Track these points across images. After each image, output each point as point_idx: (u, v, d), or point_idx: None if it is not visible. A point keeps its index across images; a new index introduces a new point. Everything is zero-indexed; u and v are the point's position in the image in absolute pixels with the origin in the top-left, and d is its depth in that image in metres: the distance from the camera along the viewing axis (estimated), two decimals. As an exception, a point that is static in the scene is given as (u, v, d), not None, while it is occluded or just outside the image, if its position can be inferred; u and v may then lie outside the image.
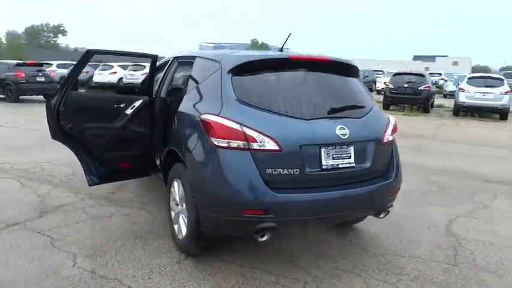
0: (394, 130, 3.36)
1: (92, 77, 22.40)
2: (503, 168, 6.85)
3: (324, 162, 2.83)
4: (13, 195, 4.61)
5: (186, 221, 3.18)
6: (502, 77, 15.56)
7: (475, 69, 78.30)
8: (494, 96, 13.94)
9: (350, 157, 2.94)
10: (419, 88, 15.46)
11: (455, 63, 76.48)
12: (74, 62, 5.13)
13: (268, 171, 2.69)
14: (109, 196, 4.67)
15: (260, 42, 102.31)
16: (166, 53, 6.15)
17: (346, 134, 2.92)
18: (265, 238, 2.81)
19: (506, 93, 13.91)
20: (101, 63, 23.44)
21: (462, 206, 4.78)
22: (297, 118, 2.84)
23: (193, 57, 3.73)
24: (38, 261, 3.14)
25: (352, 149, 2.95)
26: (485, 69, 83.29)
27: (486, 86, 14.28)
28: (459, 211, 4.59)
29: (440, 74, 33.48)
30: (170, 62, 4.26)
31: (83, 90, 19.62)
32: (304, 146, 2.78)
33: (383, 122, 3.29)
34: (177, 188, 3.37)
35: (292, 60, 3.14)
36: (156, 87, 4.27)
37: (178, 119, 3.37)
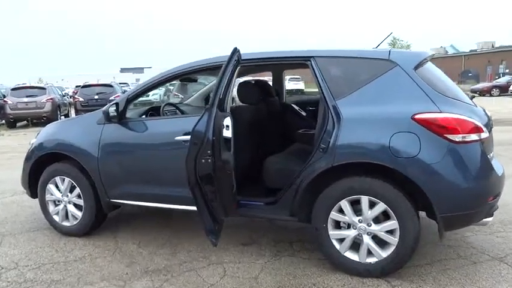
0: None
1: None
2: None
3: None
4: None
5: (388, 238, 2.83)
6: None
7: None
8: None
9: None
10: (110, 98, 14.57)
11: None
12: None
13: (488, 156, 2.82)
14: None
15: None
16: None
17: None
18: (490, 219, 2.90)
19: None
20: None
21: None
22: (472, 105, 3.01)
23: (304, 58, 3.19)
24: None
25: None
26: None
27: None
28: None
29: (127, 84, 31.32)
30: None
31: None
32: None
33: None
34: (349, 208, 2.90)
35: (427, 58, 3.19)
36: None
37: (355, 127, 2.85)
